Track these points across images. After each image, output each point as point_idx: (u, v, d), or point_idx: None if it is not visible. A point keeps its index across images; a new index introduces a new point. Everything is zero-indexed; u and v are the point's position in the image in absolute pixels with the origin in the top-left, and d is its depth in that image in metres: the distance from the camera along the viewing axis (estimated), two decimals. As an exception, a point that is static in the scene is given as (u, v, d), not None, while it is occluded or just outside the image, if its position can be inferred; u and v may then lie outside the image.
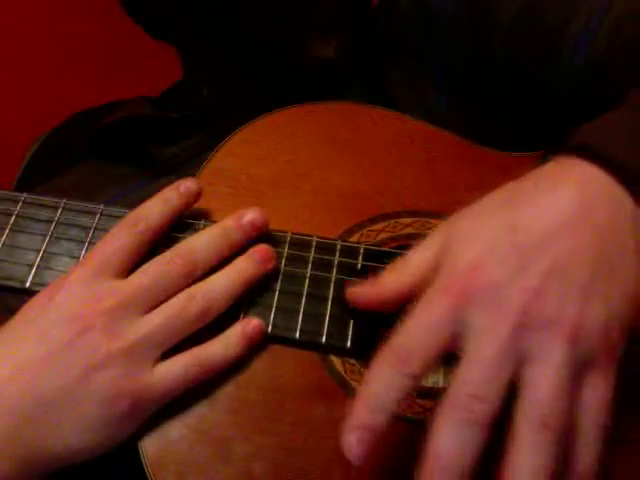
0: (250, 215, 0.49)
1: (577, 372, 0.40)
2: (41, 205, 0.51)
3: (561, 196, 0.43)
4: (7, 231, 0.50)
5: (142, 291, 0.45)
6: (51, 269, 0.49)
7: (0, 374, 0.43)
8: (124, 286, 0.45)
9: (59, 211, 0.51)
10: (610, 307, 0.40)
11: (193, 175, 0.63)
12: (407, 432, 0.46)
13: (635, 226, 0.43)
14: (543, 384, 0.39)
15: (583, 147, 0.44)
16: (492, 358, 0.40)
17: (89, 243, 0.50)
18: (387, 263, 0.49)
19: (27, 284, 0.48)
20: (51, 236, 0.50)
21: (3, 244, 0.49)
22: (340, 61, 0.62)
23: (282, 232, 0.51)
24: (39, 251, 0.49)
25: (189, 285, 0.46)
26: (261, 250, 0.49)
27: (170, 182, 0.51)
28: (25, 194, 0.51)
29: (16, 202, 0.51)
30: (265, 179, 0.54)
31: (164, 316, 0.45)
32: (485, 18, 0.64)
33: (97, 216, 0.51)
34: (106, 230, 0.49)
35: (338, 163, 0.54)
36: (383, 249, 0.52)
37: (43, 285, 0.48)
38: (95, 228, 0.50)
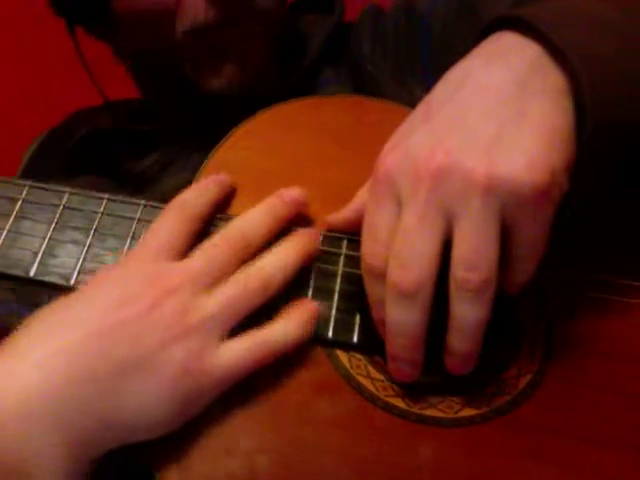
0: (291, 192, 0.50)
1: (500, 220, 0.40)
2: (46, 192, 0.51)
3: (476, 62, 0.44)
4: (12, 218, 0.49)
5: (204, 270, 0.45)
6: (55, 257, 0.49)
7: (72, 336, 0.42)
8: (186, 266, 0.45)
9: (64, 198, 0.50)
10: (526, 151, 0.40)
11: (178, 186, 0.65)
12: (412, 428, 0.46)
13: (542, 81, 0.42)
14: (464, 241, 0.41)
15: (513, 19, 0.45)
16: (414, 226, 0.41)
17: (95, 231, 0.50)
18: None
19: (31, 273, 0.48)
20: (57, 223, 0.50)
21: (8, 231, 0.49)
22: (236, 89, 0.65)
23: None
24: (44, 238, 0.49)
25: (244, 262, 0.47)
26: (310, 231, 0.50)
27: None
28: (30, 181, 0.51)
29: (21, 188, 0.50)
30: (270, 172, 0.54)
31: (229, 293, 0.45)
32: (474, 21, 0.65)
33: (103, 203, 0.50)
34: (111, 218, 0.50)
35: (344, 157, 0.54)
36: None
37: (47, 274, 0.48)
38: (102, 213, 0.50)
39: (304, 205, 0.51)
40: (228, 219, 0.50)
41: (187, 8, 0.62)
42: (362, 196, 0.49)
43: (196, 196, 0.49)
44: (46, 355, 0.41)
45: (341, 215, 0.50)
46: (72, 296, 0.44)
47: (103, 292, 0.44)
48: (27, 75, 1.22)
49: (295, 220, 0.50)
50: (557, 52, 0.42)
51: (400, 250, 0.42)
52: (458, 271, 0.41)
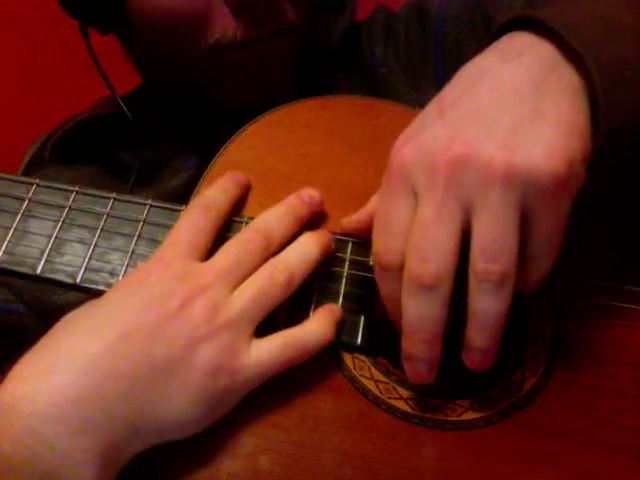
0: (308, 191, 0.51)
1: (520, 210, 0.40)
2: (54, 191, 0.51)
3: (488, 61, 0.44)
4: (19, 216, 0.50)
5: (230, 268, 0.45)
6: (62, 255, 0.49)
7: (103, 338, 0.42)
8: (213, 265, 0.46)
9: (72, 197, 0.50)
10: (545, 141, 0.40)
11: (174, 185, 0.66)
12: (415, 431, 0.46)
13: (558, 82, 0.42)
14: (484, 231, 0.40)
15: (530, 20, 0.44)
16: (432, 217, 0.40)
17: (101, 230, 0.50)
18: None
19: (38, 270, 0.48)
20: (63, 222, 0.50)
21: (15, 229, 0.49)
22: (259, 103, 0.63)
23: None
24: (51, 237, 0.49)
25: (266, 260, 0.47)
26: (323, 231, 0.50)
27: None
28: (38, 179, 0.51)
29: (29, 187, 0.51)
30: (278, 172, 0.54)
31: (255, 288, 0.45)
32: (487, 26, 0.66)
33: (110, 202, 0.50)
34: (117, 217, 0.50)
35: (352, 158, 0.54)
36: None
37: (54, 272, 0.48)
38: (108, 213, 0.50)
39: (321, 205, 0.51)
40: (241, 220, 0.50)
41: (215, 24, 0.61)
42: (377, 199, 0.48)
43: (218, 195, 0.49)
44: (77, 357, 0.41)
45: (355, 218, 0.50)
46: (102, 298, 0.44)
47: (134, 293, 0.44)
48: (27, 75, 1.21)
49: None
50: (571, 53, 0.42)
51: (418, 242, 0.41)
52: (478, 263, 0.40)
